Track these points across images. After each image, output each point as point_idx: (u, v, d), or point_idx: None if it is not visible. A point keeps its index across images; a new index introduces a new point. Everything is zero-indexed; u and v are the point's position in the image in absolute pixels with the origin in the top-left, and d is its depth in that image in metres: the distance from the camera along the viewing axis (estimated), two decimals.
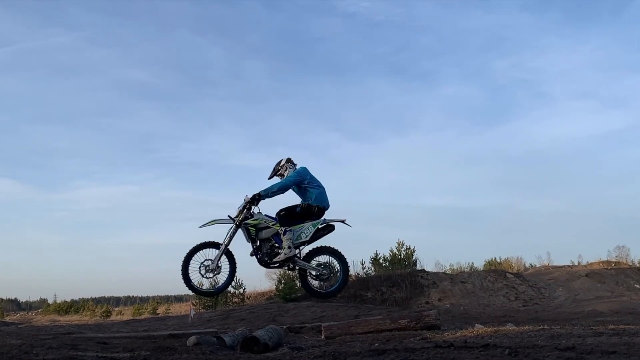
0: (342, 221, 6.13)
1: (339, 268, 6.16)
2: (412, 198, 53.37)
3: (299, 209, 6.02)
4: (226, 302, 22.67)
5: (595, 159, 55.54)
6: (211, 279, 5.91)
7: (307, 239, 6.00)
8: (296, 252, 5.91)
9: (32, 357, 4.33)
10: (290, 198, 6.25)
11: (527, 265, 30.29)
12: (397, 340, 6.14)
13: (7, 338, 6.87)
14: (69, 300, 41.01)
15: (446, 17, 57.93)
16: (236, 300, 22.96)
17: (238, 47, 61.89)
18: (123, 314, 32.75)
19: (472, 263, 28.50)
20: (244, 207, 5.92)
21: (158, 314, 28.53)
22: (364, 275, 22.86)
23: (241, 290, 23.27)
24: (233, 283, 23.10)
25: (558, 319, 11.50)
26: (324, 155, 60.01)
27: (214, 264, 5.76)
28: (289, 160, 6.38)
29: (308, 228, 6.01)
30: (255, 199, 5.91)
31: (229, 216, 5.91)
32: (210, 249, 5.85)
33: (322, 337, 8.00)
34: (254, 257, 5.94)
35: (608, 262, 27.21)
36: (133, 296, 51.84)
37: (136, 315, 28.40)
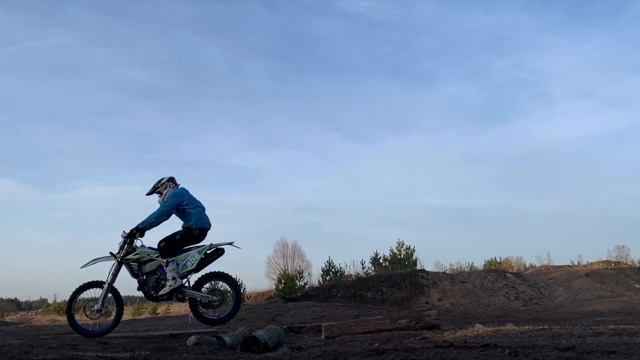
0: (230, 243, 6.08)
1: (230, 293, 6.11)
2: (412, 198, 53.31)
3: (178, 236, 5.92)
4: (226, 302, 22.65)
5: (595, 159, 55.49)
6: (98, 320, 5.82)
7: (194, 266, 5.91)
8: (182, 283, 5.79)
9: (32, 357, 4.33)
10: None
11: (527, 265, 30.34)
12: (397, 340, 6.13)
13: (7, 338, 6.87)
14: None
15: (446, 17, 57.89)
16: None
17: (238, 47, 61.83)
18: (123, 314, 32.66)
19: (472, 263, 28.52)
20: (124, 243, 5.84)
21: (158, 313, 28.52)
22: (364, 275, 22.86)
23: (241, 290, 23.26)
24: None
25: (558, 319, 11.49)
26: (324, 155, 60.05)
27: (100, 304, 5.72)
28: (171, 180, 6.24)
29: (194, 256, 5.92)
30: (133, 234, 5.83)
31: (110, 253, 5.84)
32: (96, 289, 5.83)
33: (322, 337, 7.99)
34: (141, 292, 5.90)
35: (608, 262, 27.22)
36: (133, 296, 51.71)
37: (136, 315, 28.39)
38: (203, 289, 6.05)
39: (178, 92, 61.50)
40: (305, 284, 22.34)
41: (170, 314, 26.24)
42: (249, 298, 23.54)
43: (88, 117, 61.49)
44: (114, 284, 5.87)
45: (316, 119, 64.85)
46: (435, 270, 24.77)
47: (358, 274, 23.26)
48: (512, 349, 4.21)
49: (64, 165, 61.74)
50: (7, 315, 37.05)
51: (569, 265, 27.57)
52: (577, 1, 56.19)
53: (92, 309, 5.76)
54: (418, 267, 23.16)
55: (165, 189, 6.16)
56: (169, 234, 5.97)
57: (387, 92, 60.67)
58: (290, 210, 51.43)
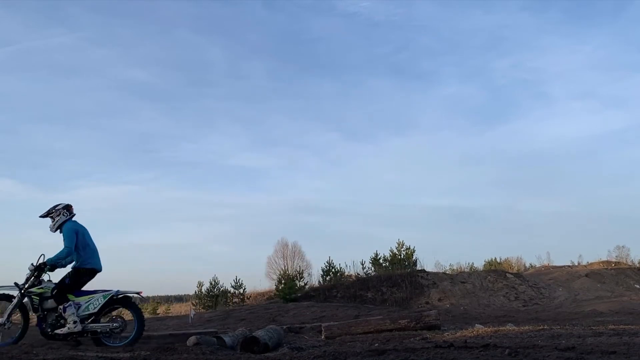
0: (138, 293, 6.18)
1: (132, 317, 6.05)
2: (411, 198, 53.11)
3: (68, 279, 5.83)
4: (226, 302, 22.67)
5: (595, 159, 55.37)
6: (1, 333, 5.72)
7: (96, 310, 5.83)
8: (81, 329, 5.68)
9: (32, 357, 4.33)
10: None
11: (527, 265, 30.38)
12: (397, 340, 6.13)
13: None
14: None
15: (446, 17, 57.75)
16: (236, 300, 22.95)
17: (238, 47, 61.70)
18: (123, 314, 32.66)
19: (472, 263, 28.54)
20: (31, 275, 5.78)
21: (158, 314, 28.50)
22: (364, 276, 22.85)
23: (241, 290, 23.26)
24: (233, 283, 23.17)
25: (558, 319, 11.49)
26: (324, 155, 59.86)
27: (5, 319, 5.65)
28: (66, 207, 6.09)
29: (97, 299, 5.85)
30: (41, 269, 5.77)
31: (15, 283, 5.79)
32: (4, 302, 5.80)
33: (322, 337, 7.99)
34: (38, 327, 5.77)
35: (608, 262, 27.23)
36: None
37: None
38: (102, 319, 5.94)
39: (178, 92, 61.36)
40: (305, 284, 22.34)
41: (170, 314, 26.24)
42: (249, 298, 23.53)
43: (88, 117, 61.33)
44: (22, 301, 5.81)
45: (316, 119, 64.70)
46: (435, 270, 24.78)
47: (358, 274, 23.25)
48: (512, 349, 4.22)
49: (64, 165, 61.59)
50: None
51: (569, 266, 27.58)
52: (577, 1, 56.09)
53: None
54: (418, 267, 23.17)
55: (58, 215, 5.99)
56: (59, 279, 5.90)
57: (387, 92, 60.55)
58: (290, 210, 51.36)
